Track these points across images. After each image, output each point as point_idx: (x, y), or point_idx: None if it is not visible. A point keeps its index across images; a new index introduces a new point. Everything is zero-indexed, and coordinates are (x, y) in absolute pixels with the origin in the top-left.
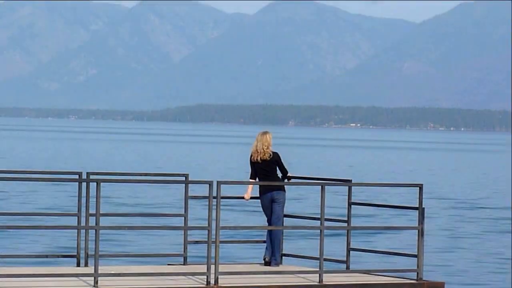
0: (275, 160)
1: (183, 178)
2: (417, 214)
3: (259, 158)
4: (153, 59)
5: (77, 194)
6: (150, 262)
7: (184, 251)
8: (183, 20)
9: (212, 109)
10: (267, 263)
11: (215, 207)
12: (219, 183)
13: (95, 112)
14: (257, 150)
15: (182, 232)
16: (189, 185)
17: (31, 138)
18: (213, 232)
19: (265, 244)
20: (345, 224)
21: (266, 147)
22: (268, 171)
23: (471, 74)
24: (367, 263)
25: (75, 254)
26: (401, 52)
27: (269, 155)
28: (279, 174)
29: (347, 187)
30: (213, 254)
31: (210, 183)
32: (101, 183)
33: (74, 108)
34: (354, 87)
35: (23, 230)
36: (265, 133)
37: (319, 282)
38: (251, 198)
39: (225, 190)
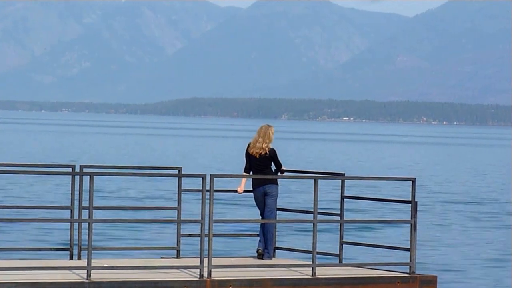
0: (271, 156)
1: (176, 171)
2: (410, 207)
3: (256, 153)
4: (146, 53)
5: (70, 187)
6: (143, 255)
7: (177, 245)
8: (176, 14)
9: (206, 103)
10: (260, 255)
11: (208, 200)
12: (212, 176)
13: (89, 106)
14: (259, 146)
15: (175, 225)
16: (182, 178)
17: (24, 131)
18: (206, 225)
19: (258, 237)
20: (338, 218)
21: (266, 144)
22: (263, 166)
23: (464, 68)
24: (360, 257)
25: (68, 247)
26: (394, 46)
27: (267, 151)
28: (273, 168)
29: (340, 181)
30: (206, 248)
31: (203, 176)
32: (94, 176)
33: (67, 101)
34: (347, 81)
35: (15, 223)
36: (267, 127)
37: (312, 275)
38: (244, 191)
39: (218, 184)
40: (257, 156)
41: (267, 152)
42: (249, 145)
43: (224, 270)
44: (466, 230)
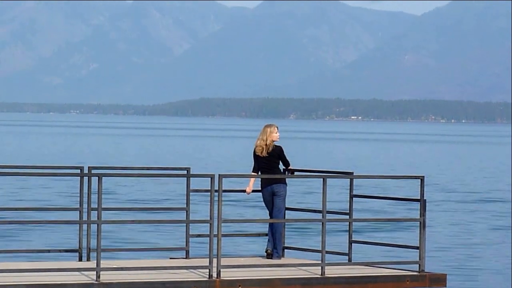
0: (278, 154)
1: (185, 172)
2: (419, 206)
3: (262, 153)
4: (154, 53)
5: (78, 188)
6: (152, 256)
7: (186, 245)
8: (183, 14)
9: (214, 103)
10: (269, 255)
11: (216, 200)
12: (220, 176)
13: (97, 107)
14: (260, 144)
15: (184, 225)
16: (191, 178)
17: (32, 133)
18: (215, 225)
19: (267, 237)
20: (347, 217)
21: (269, 142)
22: (270, 165)
23: (471, 66)
24: (369, 256)
25: (77, 248)
26: (401, 44)
27: (272, 149)
28: (281, 167)
29: (348, 180)
30: (215, 248)
31: (211, 177)
32: (103, 177)
33: (75, 102)
34: (355, 80)
35: (24, 225)
36: (269, 126)
37: (321, 274)
38: (253, 191)
39: (227, 184)
40: (263, 155)
41: (272, 150)
42: (255, 147)
43: (233, 270)
44: (476, 229)
